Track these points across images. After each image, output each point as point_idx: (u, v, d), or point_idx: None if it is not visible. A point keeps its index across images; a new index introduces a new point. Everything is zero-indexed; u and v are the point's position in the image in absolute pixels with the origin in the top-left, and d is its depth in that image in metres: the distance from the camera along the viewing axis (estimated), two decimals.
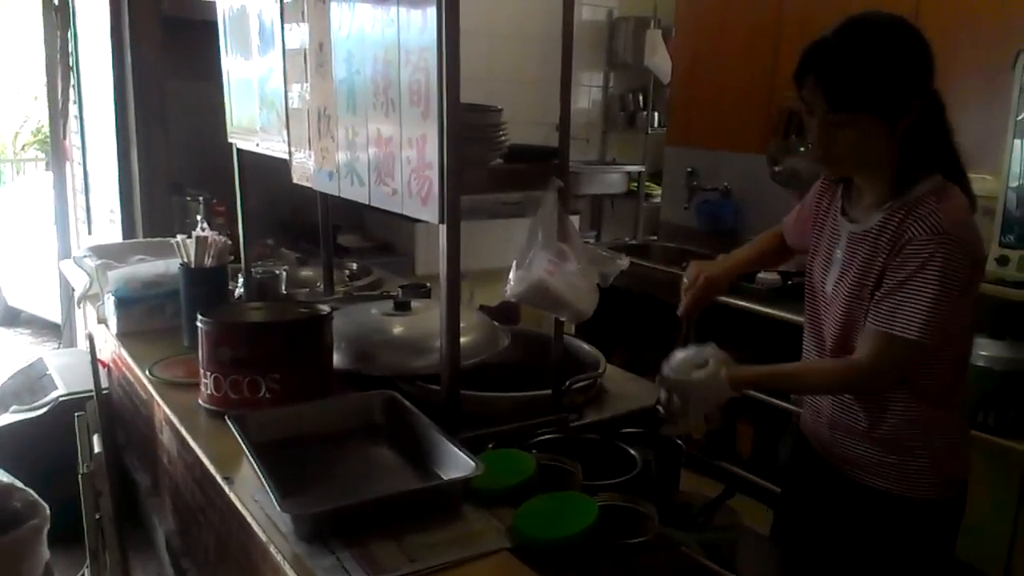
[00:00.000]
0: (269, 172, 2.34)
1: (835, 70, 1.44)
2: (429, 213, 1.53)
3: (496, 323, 2.07)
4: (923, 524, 1.60)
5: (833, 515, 1.68)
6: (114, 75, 3.58)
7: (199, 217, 2.45)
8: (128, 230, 3.66)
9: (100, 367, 2.66)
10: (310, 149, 1.99)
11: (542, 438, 1.68)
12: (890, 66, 1.43)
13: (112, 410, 2.87)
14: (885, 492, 1.59)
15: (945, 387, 1.56)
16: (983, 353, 2.56)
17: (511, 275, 1.63)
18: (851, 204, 1.62)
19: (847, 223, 1.60)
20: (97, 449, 2.42)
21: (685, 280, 1.84)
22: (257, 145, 2.33)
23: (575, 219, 3.63)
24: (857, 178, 1.59)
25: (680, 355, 1.64)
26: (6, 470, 3.12)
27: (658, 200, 4.90)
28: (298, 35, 1.95)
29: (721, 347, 3.25)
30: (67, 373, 3.36)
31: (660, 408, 1.65)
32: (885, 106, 1.44)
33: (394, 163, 1.61)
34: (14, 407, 3.24)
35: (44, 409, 3.14)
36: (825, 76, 1.44)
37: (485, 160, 1.65)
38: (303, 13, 1.90)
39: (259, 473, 1.38)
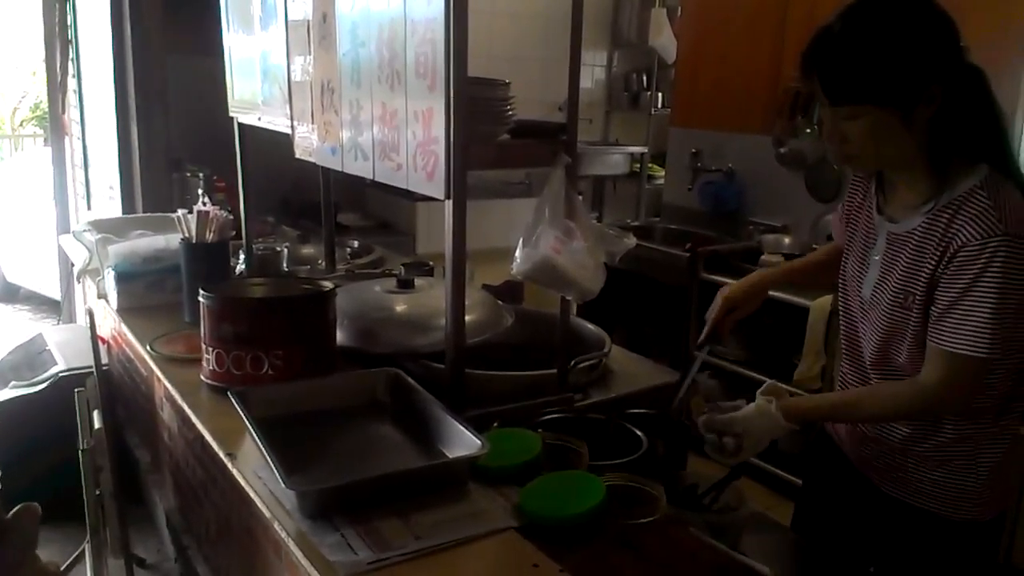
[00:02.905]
0: (269, 149, 2.32)
1: (831, 61, 1.32)
2: (435, 188, 1.50)
3: (500, 302, 2.05)
4: (963, 545, 1.51)
5: (862, 526, 1.59)
6: (114, 49, 3.54)
7: (200, 192, 2.42)
8: (128, 206, 3.63)
9: (100, 343, 2.65)
10: (313, 123, 1.96)
11: (547, 418, 1.67)
12: (893, 52, 1.28)
13: (112, 386, 2.86)
14: (923, 511, 1.49)
15: (1002, 400, 1.43)
16: None
17: (517, 252, 1.61)
18: (887, 200, 1.49)
19: (885, 222, 1.47)
20: (97, 425, 2.41)
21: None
22: (259, 119, 2.30)
23: None
24: (889, 174, 1.47)
25: (713, 409, 1.53)
26: (5, 445, 3.12)
27: (661, 182, 4.88)
28: (301, 7, 1.92)
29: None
30: (67, 349, 3.35)
31: (711, 451, 1.52)
32: (892, 95, 1.30)
33: (399, 137, 1.59)
34: (13, 383, 3.23)
35: (44, 385, 3.14)
36: (822, 68, 1.33)
37: (492, 135, 1.62)
38: None
39: (262, 449, 1.37)
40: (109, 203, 3.86)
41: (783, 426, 1.44)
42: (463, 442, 1.44)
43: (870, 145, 1.36)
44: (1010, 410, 1.46)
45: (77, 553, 2.68)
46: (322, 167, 2.21)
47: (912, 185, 1.42)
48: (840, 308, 1.62)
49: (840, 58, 1.31)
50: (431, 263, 2.65)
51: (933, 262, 1.35)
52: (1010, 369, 1.40)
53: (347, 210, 4.08)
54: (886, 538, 1.56)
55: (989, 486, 1.47)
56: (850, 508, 1.63)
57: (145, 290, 2.39)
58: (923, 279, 1.37)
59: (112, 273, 2.38)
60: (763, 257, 3.37)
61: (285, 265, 2.62)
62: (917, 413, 1.44)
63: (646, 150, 5.22)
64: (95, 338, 2.58)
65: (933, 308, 1.35)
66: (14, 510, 1.09)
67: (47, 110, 4.94)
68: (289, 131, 2.10)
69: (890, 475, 1.53)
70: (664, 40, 4.95)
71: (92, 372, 2.58)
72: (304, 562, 1.21)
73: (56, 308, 5.02)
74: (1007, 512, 1.55)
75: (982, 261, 1.28)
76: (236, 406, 1.53)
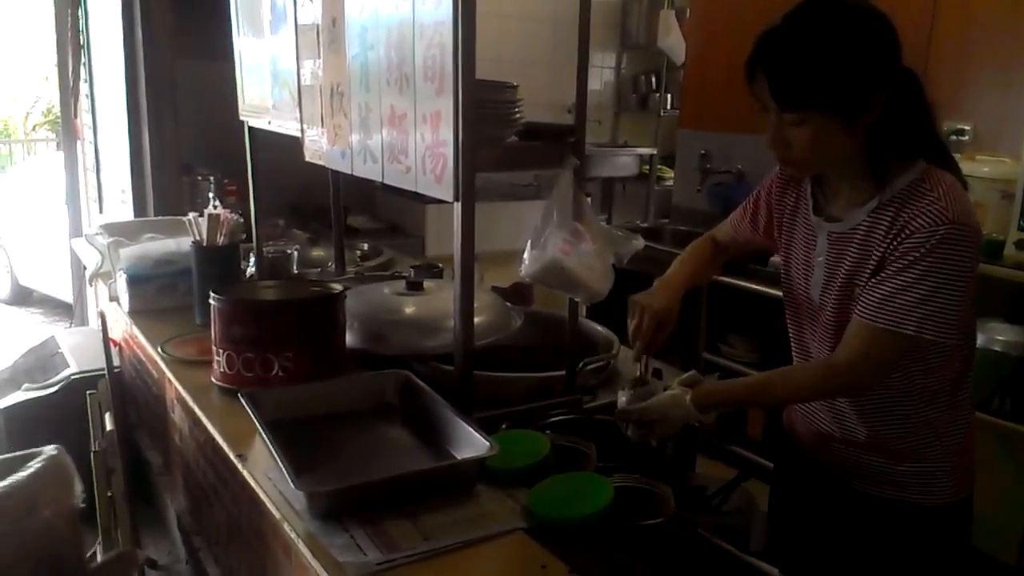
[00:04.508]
0: (279, 153, 2.33)
1: (784, 65, 1.29)
2: (443, 191, 1.51)
3: (509, 304, 2.06)
4: (942, 528, 1.53)
5: (835, 518, 1.59)
6: (125, 54, 3.57)
7: (211, 195, 2.44)
8: (139, 209, 3.66)
9: (112, 345, 2.66)
10: (322, 127, 1.97)
11: (556, 419, 1.67)
12: (843, 60, 1.27)
13: (124, 388, 2.88)
14: (898, 501, 1.50)
15: (954, 383, 1.46)
16: (999, 338, 2.54)
17: (525, 255, 1.62)
18: (827, 201, 1.49)
19: (823, 222, 1.47)
20: (109, 427, 2.43)
21: (630, 321, 1.61)
22: (269, 123, 2.31)
23: None
24: (830, 175, 1.47)
25: (629, 392, 1.52)
26: (18, 448, 3.14)
27: (670, 183, 4.87)
28: (311, 11, 1.93)
29: (736, 333, 3.18)
30: (79, 351, 3.37)
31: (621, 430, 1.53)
32: (842, 103, 1.30)
33: (408, 140, 1.60)
34: (26, 385, 3.25)
35: (56, 387, 3.15)
36: (773, 72, 1.30)
37: (500, 137, 1.63)
38: None
39: (273, 451, 1.38)
40: (121, 207, 3.88)
41: (695, 416, 1.45)
42: (472, 444, 1.44)
43: (813, 151, 1.36)
44: (961, 391, 1.49)
45: (88, 555, 2.70)
46: (332, 170, 2.22)
47: (855, 185, 1.43)
48: (787, 313, 1.62)
49: (791, 62, 1.29)
50: (440, 265, 2.66)
51: (880, 252, 1.36)
52: (961, 352, 1.44)
53: (357, 213, 4.09)
54: (861, 529, 1.56)
55: (957, 468, 1.50)
56: (821, 502, 1.62)
57: (156, 293, 2.40)
58: (870, 270, 1.38)
59: (124, 276, 2.40)
60: (772, 258, 3.36)
61: (295, 268, 2.63)
62: (828, 392, 1.46)
63: (655, 152, 5.21)
64: (107, 341, 2.60)
65: (871, 282, 1.37)
66: (112, 553, 1.10)
67: (59, 114, 4.97)
68: (299, 134, 2.11)
69: (860, 472, 1.54)
70: (673, 41, 4.94)
71: (104, 375, 2.60)
72: (313, 563, 1.22)
73: (68, 311, 5.05)
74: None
75: (928, 245, 1.29)
76: (246, 408, 1.54)
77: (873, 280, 1.36)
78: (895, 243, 1.33)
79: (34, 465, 1.19)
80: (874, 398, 1.47)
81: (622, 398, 1.51)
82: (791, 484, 1.72)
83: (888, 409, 1.47)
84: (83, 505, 1.31)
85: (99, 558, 2.51)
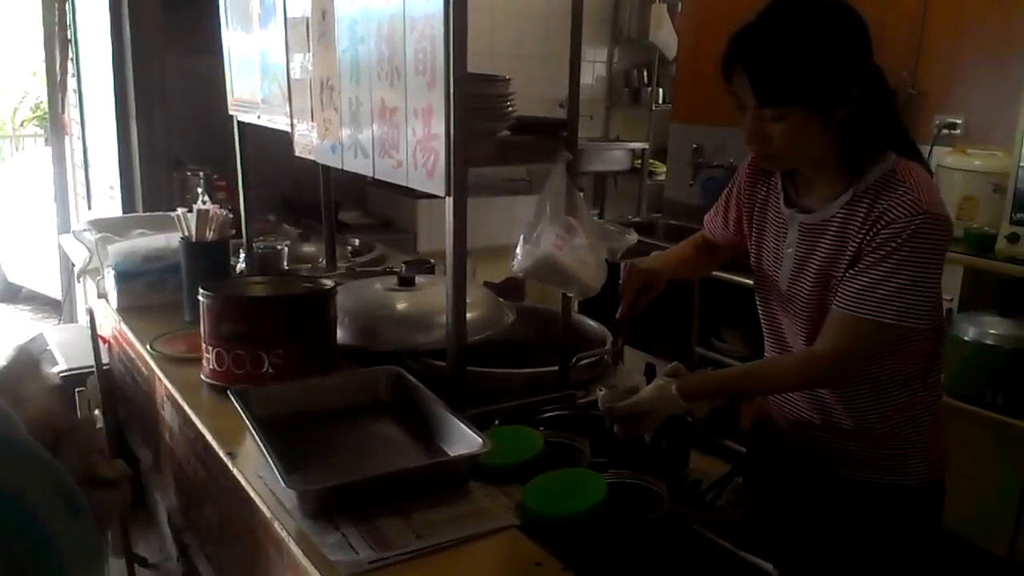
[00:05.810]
0: (270, 148, 2.31)
1: (763, 61, 1.31)
2: (435, 185, 1.50)
3: (501, 299, 2.05)
4: (920, 507, 1.56)
5: (820, 514, 1.59)
6: (113, 48, 3.54)
7: (200, 191, 2.42)
8: (128, 205, 3.63)
9: (100, 342, 2.64)
10: (312, 121, 1.96)
11: (549, 415, 1.66)
12: (823, 54, 1.30)
13: (113, 386, 2.86)
14: (881, 484, 1.53)
15: (926, 365, 1.50)
16: (992, 331, 2.54)
17: (518, 250, 1.61)
18: (799, 193, 1.51)
19: (796, 214, 1.49)
20: (98, 425, 2.40)
21: (620, 282, 1.65)
22: (258, 117, 2.29)
23: None
24: (803, 169, 1.49)
25: (611, 390, 1.51)
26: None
27: (662, 178, 4.87)
28: (300, 4, 1.91)
29: (729, 328, 3.18)
30: (68, 349, 3.34)
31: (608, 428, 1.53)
32: (819, 97, 1.32)
33: (399, 134, 1.58)
34: None
35: None
36: (753, 67, 1.32)
37: (492, 131, 1.61)
38: None
39: (263, 449, 1.36)
40: (109, 202, 3.85)
41: (682, 406, 1.45)
42: (464, 440, 1.43)
43: (792, 145, 1.38)
44: (931, 374, 1.52)
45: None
46: (322, 165, 2.21)
47: (827, 178, 1.45)
48: (759, 304, 1.64)
49: (770, 57, 1.32)
50: (432, 261, 2.64)
51: (856, 243, 1.38)
52: (930, 337, 1.47)
53: (348, 208, 4.07)
54: (840, 514, 1.57)
55: (932, 448, 1.54)
56: (797, 488, 1.63)
57: (145, 289, 2.38)
58: (846, 261, 1.40)
59: (112, 272, 2.38)
60: None
61: (286, 263, 2.62)
62: (810, 382, 1.49)
63: (647, 146, 5.20)
64: (96, 338, 2.57)
65: (848, 273, 1.39)
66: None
67: (47, 110, 4.94)
68: (289, 129, 2.09)
69: (841, 457, 1.56)
70: (665, 36, 4.93)
71: (93, 372, 2.58)
72: (305, 561, 1.20)
73: (57, 308, 5.02)
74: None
75: (905, 235, 1.32)
76: (236, 405, 1.53)
77: (851, 271, 1.38)
78: (871, 234, 1.36)
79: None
80: (850, 385, 1.49)
81: (601, 394, 1.51)
82: (765, 471, 1.72)
83: (864, 394, 1.50)
84: (60, 381, 1.38)
85: None
